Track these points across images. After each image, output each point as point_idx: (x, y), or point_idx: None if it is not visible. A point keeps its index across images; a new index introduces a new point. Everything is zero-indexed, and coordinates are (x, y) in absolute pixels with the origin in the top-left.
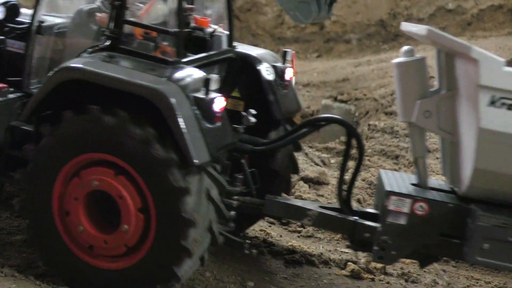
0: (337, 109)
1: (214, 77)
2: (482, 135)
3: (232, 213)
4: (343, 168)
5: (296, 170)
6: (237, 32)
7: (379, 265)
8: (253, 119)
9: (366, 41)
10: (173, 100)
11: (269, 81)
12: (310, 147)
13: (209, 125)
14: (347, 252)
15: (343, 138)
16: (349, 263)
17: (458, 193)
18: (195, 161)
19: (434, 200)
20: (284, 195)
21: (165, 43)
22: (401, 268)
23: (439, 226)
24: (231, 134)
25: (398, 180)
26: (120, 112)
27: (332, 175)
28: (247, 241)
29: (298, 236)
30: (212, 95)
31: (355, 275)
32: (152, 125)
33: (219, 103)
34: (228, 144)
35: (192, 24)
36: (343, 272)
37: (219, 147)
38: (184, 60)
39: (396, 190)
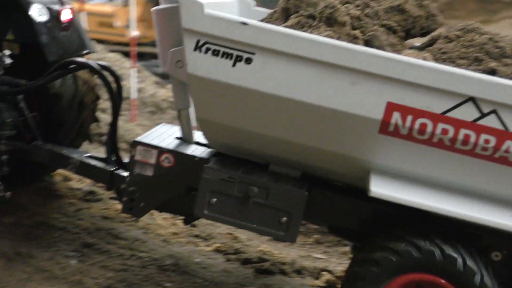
0: None
1: None
2: (191, 81)
3: (4, 157)
4: (113, 118)
5: (95, 119)
6: None
7: None
8: (8, 60)
9: None
10: None
11: (41, 23)
12: None
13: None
14: (321, 259)
15: None
16: (323, 272)
17: None
18: None
19: (180, 152)
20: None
21: None
22: None
23: (184, 179)
24: None
25: (167, 132)
26: None
27: None
28: None
29: (269, 239)
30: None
31: (330, 287)
32: None
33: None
34: None
35: None
36: (317, 282)
37: None
38: None
39: (145, 140)
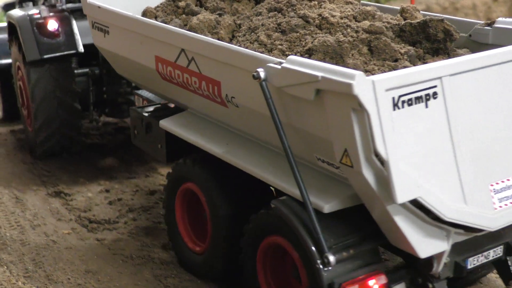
0: None
1: (43, 7)
2: (99, 49)
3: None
4: None
5: None
6: None
7: None
8: None
9: None
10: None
11: None
12: None
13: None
14: None
15: None
16: None
17: None
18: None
19: (149, 99)
20: None
21: None
22: None
23: None
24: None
25: None
26: None
27: None
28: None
29: None
30: (45, 19)
31: None
32: None
33: (52, 24)
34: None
35: None
36: None
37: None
38: None
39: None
